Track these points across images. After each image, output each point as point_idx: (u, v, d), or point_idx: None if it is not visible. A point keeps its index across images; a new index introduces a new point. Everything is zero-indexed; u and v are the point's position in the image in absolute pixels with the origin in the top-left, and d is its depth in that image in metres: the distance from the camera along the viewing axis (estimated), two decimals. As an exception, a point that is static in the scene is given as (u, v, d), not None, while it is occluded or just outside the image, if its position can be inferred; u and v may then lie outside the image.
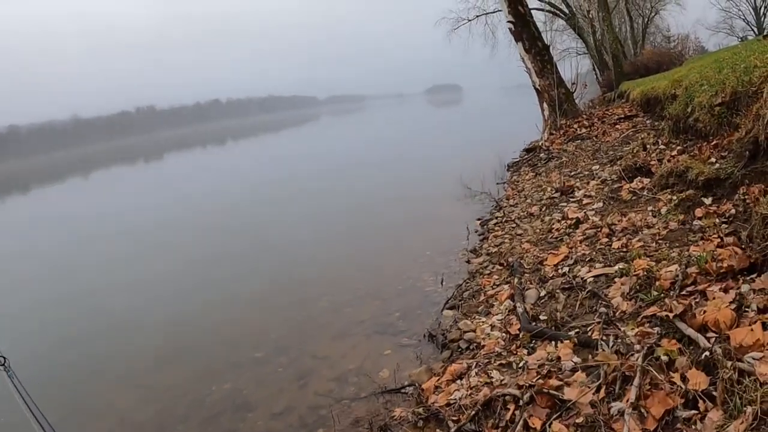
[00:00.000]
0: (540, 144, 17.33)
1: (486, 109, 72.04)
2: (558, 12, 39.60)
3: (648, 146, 10.71)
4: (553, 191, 10.72)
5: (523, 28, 18.43)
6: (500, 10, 36.21)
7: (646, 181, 8.57)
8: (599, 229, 7.19)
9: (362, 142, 45.16)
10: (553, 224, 8.48)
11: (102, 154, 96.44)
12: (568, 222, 8.17)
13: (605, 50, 36.24)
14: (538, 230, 8.58)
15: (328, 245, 12.65)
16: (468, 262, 8.90)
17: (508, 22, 18.83)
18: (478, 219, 11.74)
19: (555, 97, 17.99)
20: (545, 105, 18.55)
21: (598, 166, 11.72)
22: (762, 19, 45.77)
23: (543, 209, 9.86)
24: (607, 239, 6.74)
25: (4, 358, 2.69)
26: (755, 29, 44.83)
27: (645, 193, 8.13)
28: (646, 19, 45.74)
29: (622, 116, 17.34)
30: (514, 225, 9.74)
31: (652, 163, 9.13)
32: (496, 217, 10.97)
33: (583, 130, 16.96)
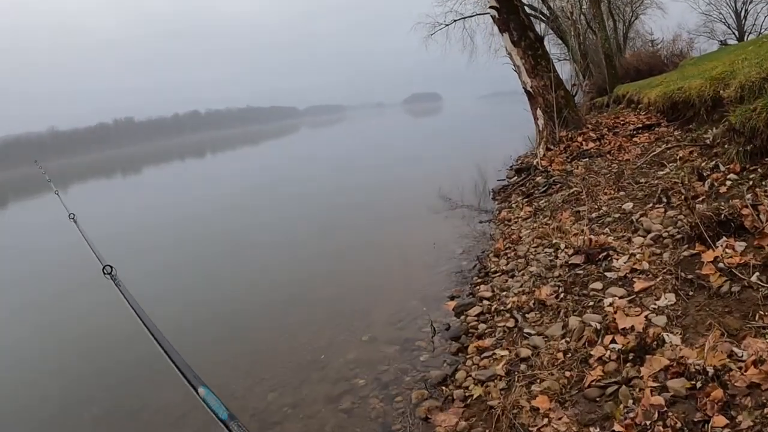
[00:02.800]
0: (535, 163, 13.35)
1: (465, 118, 71.94)
2: (538, 14, 36.48)
3: (705, 174, 7.04)
4: (571, 252, 6.60)
5: (510, 15, 14.41)
6: (479, 14, 35.12)
7: (740, 247, 4.66)
8: (693, 375, 3.37)
9: (340, 155, 42.39)
10: (589, 344, 4.40)
11: (79, 167, 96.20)
12: (620, 342, 4.14)
13: (592, 52, 33.24)
14: (558, 357, 4.45)
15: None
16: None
17: (490, 8, 14.81)
18: (451, 299, 7.41)
19: (552, 102, 14.00)
20: (539, 112, 14.50)
21: (630, 203, 7.79)
22: (743, 22, 45.00)
23: (560, 294, 5.70)
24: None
25: (111, 267, 2.50)
26: (736, 33, 44.45)
27: (755, 279, 4.21)
28: (627, 23, 43.56)
29: (639, 126, 13.42)
30: (510, 327, 5.57)
31: (745, 212, 5.16)
32: (481, 302, 6.67)
33: (591, 144, 13.00)
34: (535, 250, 7.65)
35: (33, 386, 7.32)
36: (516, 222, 9.94)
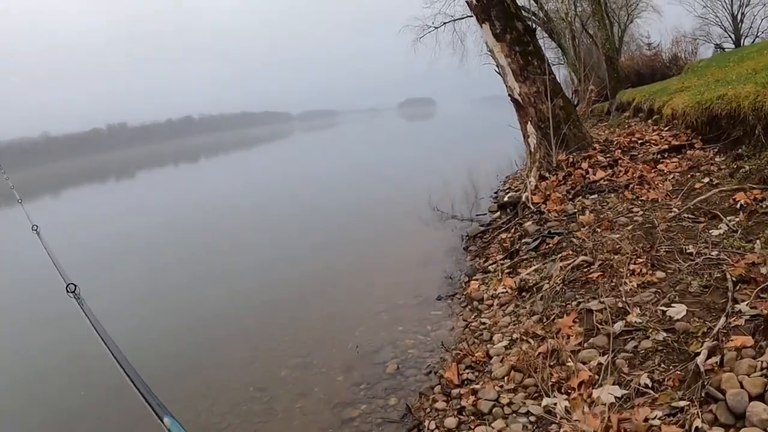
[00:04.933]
0: (524, 198, 9.83)
1: (457, 123, 70.83)
2: (530, 17, 33.90)
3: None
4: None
5: (491, 0, 10.89)
6: (469, 16, 32.66)
7: None
8: None
9: (332, 160, 41.66)
10: None
11: (73, 172, 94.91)
12: None
13: (587, 56, 30.56)
14: None
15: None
16: None
17: (467, -10, 11.35)
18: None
19: (548, 115, 10.47)
20: (530, 127, 10.93)
21: (681, 308, 4.34)
22: (740, 26, 43.45)
23: None
24: None
25: (75, 285, 2.39)
26: (732, 36, 43.07)
27: None
28: (623, 27, 41.37)
29: (665, 147, 9.96)
30: None
31: None
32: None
33: (600, 172, 9.49)
34: (510, 402, 4.19)
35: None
36: (489, 309, 6.45)
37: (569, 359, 4.27)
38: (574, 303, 5.24)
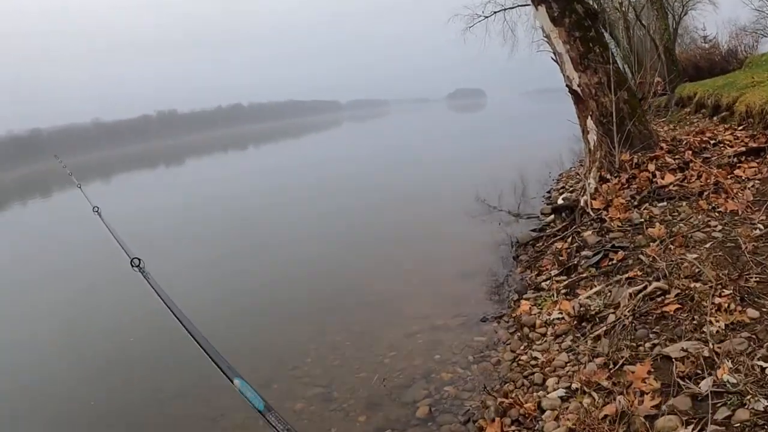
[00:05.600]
0: (583, 203, 8.82)
1: (508, 116, 67.87)
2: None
3: None
4: None
5: (547, -22, 9.83)
6: (520, 5, 31.58)
7: None
8: None
9: (378, 151, 40.64)
10: None
11: (123, 158, 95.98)
12: None
13: (641, 48, 29.18)
14: None
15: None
16: None
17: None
18: None
19: (611, 109, 9.40)
20: (590, 122, 9.86)
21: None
22: None
23: None
24: None
25: (140, 259, 2.44)
26: None
27: None
28: (677, 18, 39.62)
29: (742, 149, 8.84)
30: None
31: None
32: None
33: (669, 176, 8.42)
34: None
35: (64, 380, 7.42)
36: (542, 339, 5.49)
37: (643, 428, 3.34)
38: (648, 345, 4.29)
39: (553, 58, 10.33)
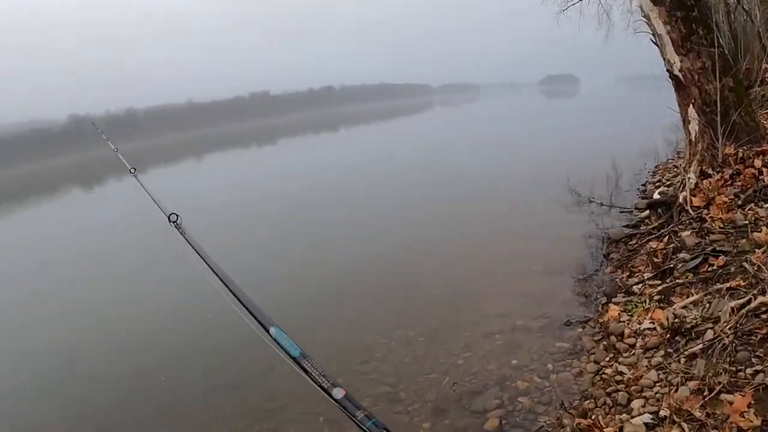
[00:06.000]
0: (681, 199, 8.17)
1: (602, 103, 63.96)
2: None
3: None
4: None
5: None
6: None
7: None
8: None
9: (469, 134, 40.22)
10: None
11: (216, 138, 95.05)
12: None
13: (742, 35, 27.15)
14: None
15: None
16: None
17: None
18: None
19: (715, 97, 8.64)
20: (692, 111, 9.09)
21: None
22: None
23: None
24: None
25: (177, 215, 2.55)
26: None
27: None
28: None
29: None
30: None
31: None
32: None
33: (780, 173, 7.67)
34: None
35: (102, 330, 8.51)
36: (630, 351, 5.01)
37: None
38: (750, 371, 3.78)
39: (652, 40, 9.58)
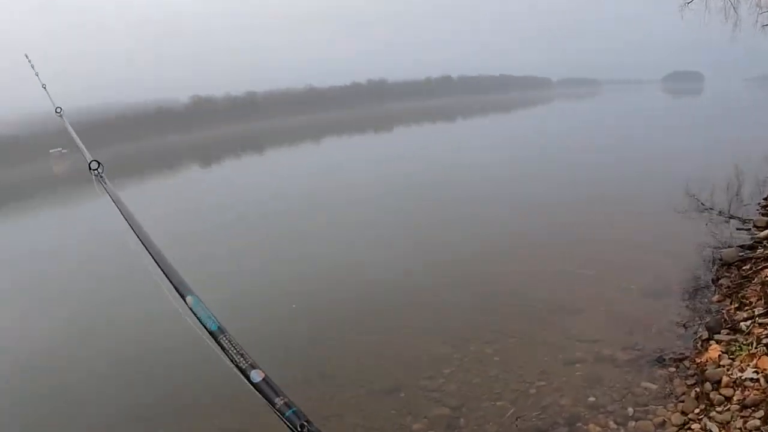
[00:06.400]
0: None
1: (729, 104, 61.84)
2: None
3: None
4: None
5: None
6: None
7: None
8: None
9: (587, 131, 38.56)
10: None
11: (333, 123, 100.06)
12: None
13: None
14: None
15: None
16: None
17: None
18: None
19: None
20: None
21: None
22: None
23: None
24: None
25: (99, 162, 2.33)
26: None
27: None
28: None
29: None
30: None
31: None
32: None
33: None
34: None
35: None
36: (724, 406, 4.29)
37: None
38: None
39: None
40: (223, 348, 1.22)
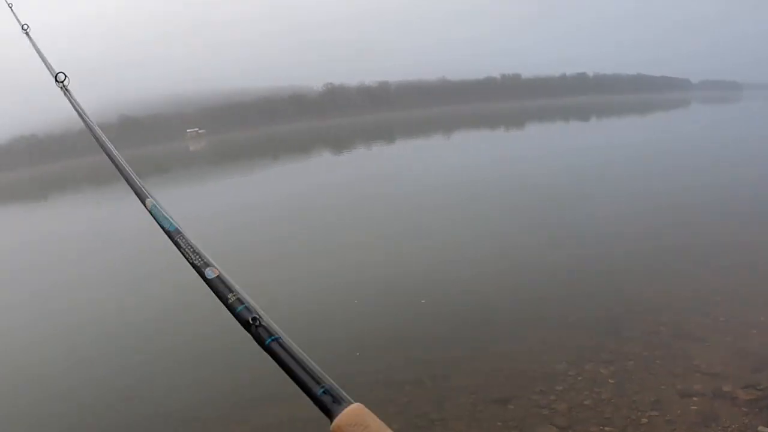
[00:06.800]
0: None
1: None
2: None
3: None
4: None
5: None
6: None
7: None
8: None
9: (725, 141, 34.95)
10: None
11: (465, 116, 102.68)
12: None
13: None
14: None
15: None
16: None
17: None
18: None
19: None
20: None
21: None
22: None
23: None
24: None
25: (65, 74, 2.27)
26: None
27: None
28: None
29: None
30: None
31: None
32: None
33: None
34: None
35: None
36: None
37: None
38: None
39: None
40: (179, 247, 1.30)
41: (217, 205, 23.61)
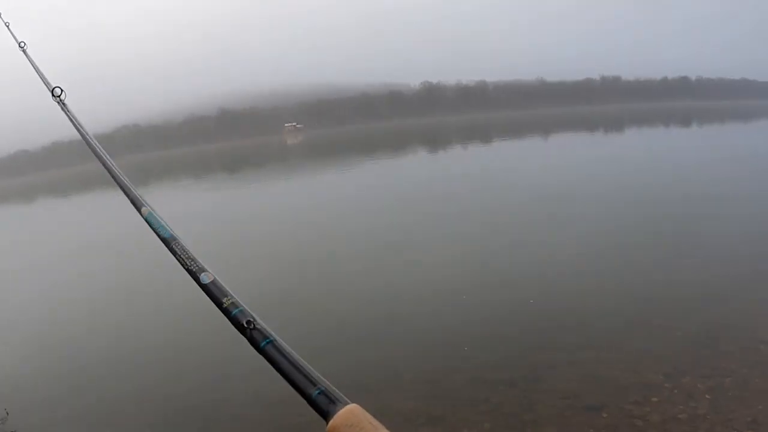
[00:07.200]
0: None
1: None
2: None
3: None
4: None
5: None
6: None
7: None
8: None
9: None
10: None
11: (562, 118, 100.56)
12: None
13: None
14: None
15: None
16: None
17: None
18: None
19: None
20: None
21: None
22: None
23: None
24: None
25: (61, 89, 2.30)
26: None
27: None
28: None
29: None
30: None
31: None
32: None
33: None
34: None
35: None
36: None
37: None
38: None
39: None
40: (175, 253, 1.33)
41: (326, 197, 24.70)
